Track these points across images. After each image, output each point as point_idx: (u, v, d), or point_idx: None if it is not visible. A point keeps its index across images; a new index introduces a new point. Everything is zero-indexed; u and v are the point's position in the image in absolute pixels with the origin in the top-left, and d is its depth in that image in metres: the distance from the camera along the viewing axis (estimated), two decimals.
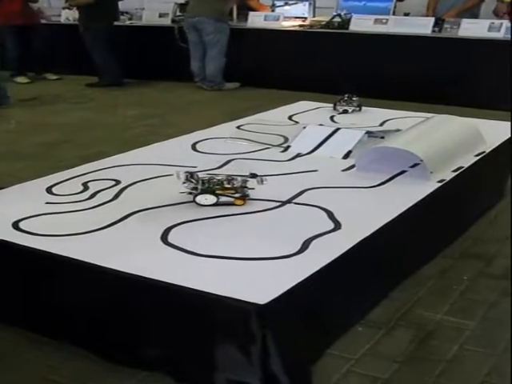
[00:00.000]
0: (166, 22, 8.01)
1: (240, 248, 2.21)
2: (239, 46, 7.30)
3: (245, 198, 2.59)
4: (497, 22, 6.46)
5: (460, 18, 6.64)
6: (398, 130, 3.43)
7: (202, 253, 2.17)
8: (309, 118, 4.05)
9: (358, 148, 3.25)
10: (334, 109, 4.22)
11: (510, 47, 5.91)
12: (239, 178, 2.61)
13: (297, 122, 3.92)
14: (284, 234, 2.36)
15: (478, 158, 3.20)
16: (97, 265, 2.11)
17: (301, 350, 2.04)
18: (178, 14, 8.05)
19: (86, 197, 2.74)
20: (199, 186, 2.56)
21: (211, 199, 2.56)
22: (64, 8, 8.52)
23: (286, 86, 6.87)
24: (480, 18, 6.83)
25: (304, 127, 3.58)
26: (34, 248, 2.24)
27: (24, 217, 2.49)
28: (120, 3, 8.03)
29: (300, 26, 7.54)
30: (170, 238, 2.29)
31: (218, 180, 2.59)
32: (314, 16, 7.82)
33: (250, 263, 2.12)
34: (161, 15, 8.10)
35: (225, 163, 3.14)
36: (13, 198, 2.78)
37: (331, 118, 4.07)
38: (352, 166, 3.07)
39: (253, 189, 2.62)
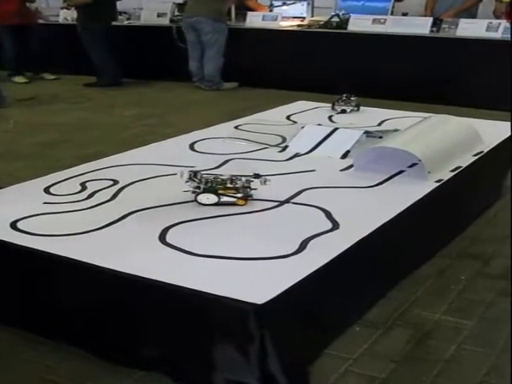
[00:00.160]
0: (165, 21, 8.01)
1: (238, 248, 2.21)
2: (237, 45, 7.30)
3: (247, 198, 2.59)
4: (495, 21, 6.47)
5: (458, 18, 6.64)
6: (396, 130, 3.43)
7: (200, 253, 2.17)
8: (307, 117, 4.05)
9: (356, 148, 3.25)
10: (332, 109, 4.22)
11: (510, 47, 5.91)
12: (243, 179, 2.61)
13: (295, 122, 3.92)
14: (282, 233, 2.36)
15: (476, 157, 3.20)
16: (94, 265, 2.10)
17: (299, 350, 2.04)
18: (177, 13, 8.06)
19: (84, 197, 2.74)
20: (202, 186, 2.57)
21: (213, 199, 2.56)
22: (62, 8, 8.51)
23: (284, 85, 6.87)
24: (478, 18, 6.84)
25: (302, 127, 3.58)
26: (32, 248, 2.24)
27: (22, 217, 2.49)
28: (118, 3, 8.02)
29: (298, 25, 7.54)
30: (168, 238, 2.29)
31: (222, 180, 2.59)
32: (312, 16, 7.82)
33: (247, 263, 2.12)
34: (159, 15, 8.10)
35: (223, 163, 3.14)
36: (11, 198, 2.77)
37: (329, 117, 4.07)
38: (350, 166, 3.08)
39: (255, 189, 2.62)
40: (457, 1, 7.05)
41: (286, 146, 3.41)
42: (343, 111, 4.18)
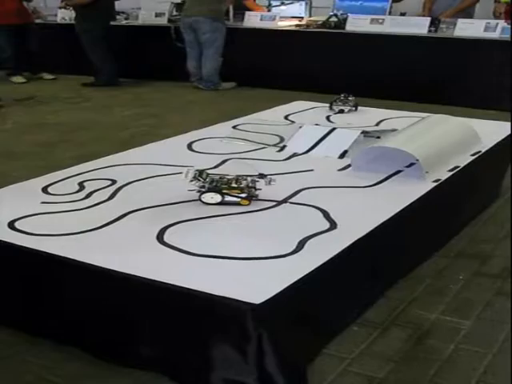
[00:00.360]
0: (163, 21, 8.01)
1: (235, 247, 2.21)
2: (236, 45, 7.30)
3: (251, 198, 2.59)
4: (493, 22, 6.48)
5: (456, 18, 6.65)
6: (393, 130, 3.43)
7: (197, 252, 2.17)
8: (305, 117, 4.05)
9: (353, 148, 3.25)
10: (330, 108, 4.21)
11: (510, 47, 5.92)
12: (249, 179, 2.61)
13: (293, 122, 3.92)
14: (279, 233, 2.36)
15: (474, 157, 3.20)
16: (92, 264, 2.10)
17: (296, 350, 2.04)
18: (175, 13, 8.06)
19: (82, 196, 2.74)
20: (206, 185, 2.57)
21: (217, 198, 2.56)
22: (60, 8, 8.51)
23: (283, 85, 6.88)
24: (475, 18, 6.84)
25: (300, 127, 3.58)
26: (30, 248, 2.24)
27: (20, 216, 2.48)
28: (116, 3, 8.03)
29: (296, 25, 7.55)
30: (166, 238, 2.29)
31: (228, 179, 2.59)
32: (310, 16, 7.83)
33: (245, 263, 2.11)
34: (157, 15, 8.10)
35: (221, 163, 3.13)
36: (8, 198, 2.77)
37: (327, 117, 4.07)
38: (348, 166, 3.07)
39: (260, 189, 2.62)
40: (455, 1, 7.06)
41: (284, 146, 3.41)
42: (341, 111, 4.18)
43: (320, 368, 2.17)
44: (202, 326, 1.97)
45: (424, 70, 6.49)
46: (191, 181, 2.58)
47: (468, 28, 6.49)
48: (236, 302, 1.87)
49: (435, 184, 2.83)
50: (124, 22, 8.26)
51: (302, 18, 7.78)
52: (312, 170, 3.06)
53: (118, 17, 8.22)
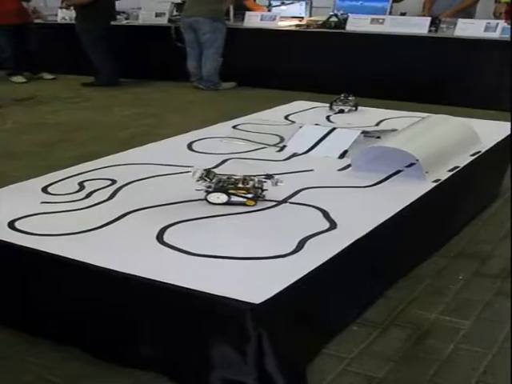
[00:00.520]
0: (163, 21, 8.01)
1: (235, 247, 2.21)
2: (236, 45, 7.30)
3: (257, 198, 2.59)
4: (493, 22, 6.48)
5: (456, 18, 6.65)
6: (393, 130, 3.43)
7: (197, 252, 2.17)
8: (305, 117, 4.05)
9: (353, 148, 3.25)
10: (330, 108, 4.22)
11: (510, 47, 5.92)
12: (256, 179, 2.62)
13: (293, 122, 3.92)
14: (279, 233, 2.36)
15: (474, 157, 3.20)
16: (92, 264, 2.10)
17: (296, 350, 2.04)
18: (175, 13, 8.06)
19: (82, 196, 2.74)
20: (213, 185, 2.57)
21: (223, 198, 2.57)
22: (61, 7, 8.51)
23: (283, 85, 6.88)
24: (476, 18, 6.84)
25: (300, 127, 3.58)
26: (30, 247, 2.24)
27: (19, 216, 2.48)
28: (117, 3, 8.03)
29: (297, 25, 7.55)
30: (166, 238, 2.29)
31: (235, 180, 2.60)
32: (310, 16, 7.83)
33: (245, 262, 2.11)
34: (157, 15, 8.10)
35: (221, 163, 3.13)
36: (8, 198, 2.77)
37: (327, 117, 4.07)
38: (348, 166, 3.08)
39: (266, 190, 2.62)
40: (455, 1, 7.06)
41: (284, 146, 3.41)
42: (341, 111, 4.18)
43: (319, 368, 2.17)
44: (202, 326, 1.97)
45: (424, 70, 6.49)
46: (198, 180, 2.59)
47: (468, 28, 6.49)
48: (236, 301, 1.87)
49: (435, 184, 2.83)
50: (124, 22, 8.26)
51: (303, 17, 7.78)
52: (312, 170, 3.06)
53: (118, 17, 8.23)
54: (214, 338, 1.96)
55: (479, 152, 3.27)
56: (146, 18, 8.19)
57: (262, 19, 7.59)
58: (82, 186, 2.86)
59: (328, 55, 6.98)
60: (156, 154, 3.33)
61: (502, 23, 6.36)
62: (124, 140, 5.07)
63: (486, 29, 6.39)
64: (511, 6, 6.78)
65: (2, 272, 2.37)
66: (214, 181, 2.58)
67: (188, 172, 2.65)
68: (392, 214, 2.51)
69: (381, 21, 6.93)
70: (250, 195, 2.58)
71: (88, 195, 2.75)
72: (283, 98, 5.11)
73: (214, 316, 1.94)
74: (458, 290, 2.72)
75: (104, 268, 2.08)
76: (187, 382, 2.07)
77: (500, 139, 3.52)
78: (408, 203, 2.63)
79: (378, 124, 3.86)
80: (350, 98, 4.24)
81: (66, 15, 8.50)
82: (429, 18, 6.79)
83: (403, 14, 7.32)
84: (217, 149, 3.38)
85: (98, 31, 7.52)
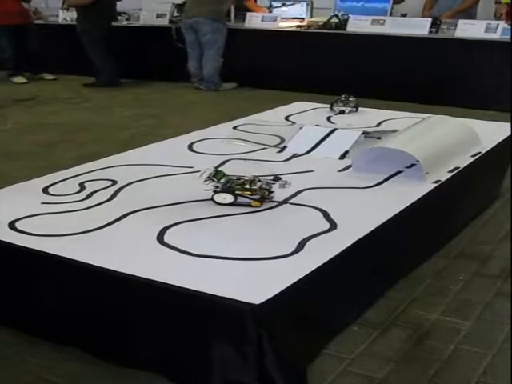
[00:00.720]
0: (164, 22, 8.02)
1: (235, 248, 2.21)
2: (236, 46, 7.30)
3: (263, 200, 2.59)
4: (493, 22, 6.48)
5: (457, 19, 6.65)
6: (394, 131, 3.43)
7: (197, 253, 2.17)
8: (305, 118, 4.05)
9: (354, 148, 3.25)
10: (331, 109, 4.22)
11: (510, 48, 5.92)
12: (264, 180, 2.62)
13: (293, 123, 3.92)
14: (280, 234, 2.36)
15: (474, 158, 3.20)
16: (92, 264, 2.10)
17: (296, 350, 2.04)
18: (176, 14, 8.07)
19: (83, 197, 2.74)
20: (221, 185, 2.58)
21: (229, 198, 2.57)
22: (62, 8, 8.52)
23: (283, 86, 6.89)
24: (477, 19, 6.84)
25: (300, 128, 3.58)
26: (30, 248, 2.24)
27: (20, 217, 2.48)
28: (118, 4, 8.04)
29: (297, 26, 7.55)
30: (166, 238, 2.29)
31: (243, 181, 2.60)
32: (311, 17, 7.84)
33: (245, 263, 2.12)
34: (158, 16, 8.11)
35: (221, 164, 3.13)
36: (9, 198, 2.77)
37: (328, 118, 4.07)
38: (348, 167, 3.08)
39: (273, 192, 2.63)
40: (455, 2, 7.06)
41: (285, 147, 3.41)
42: (342, 112, 4.18)
43: (320, 368, 2.18)
44: (202, 327, 1.97)
45: (425, 71, 6.49)
46: (205, 181, 2.59)
47: (469, 29, 6.49)
48: (236, 302, 1.87)
49: (435, 185, 2.84)
50: (125, 23, 8.27)
51: (303, 18, 7.79)
52: (312, 171, 3.06)
53: (119, 17, 8.23)
54: (214, 339, 1.96)
55: (479, 153, 3.27)
56: (146, 18, 8.19)
57: (262, 20, 7.59)
58: (82, 186, 2.86)
59: (329, 56, 6.99)
60: (156, 154, 3.33)
61: (503, 24, 6.36)
62: (124, 140, 5.07)
63: (487, 30, 6.39)
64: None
65: (2, 272, 2.37)
66: (222, 181, 2.59)
67: (197, 172, 2.65)
68: (392, 214, 2.51)
69: (381, 22, 6.93)
70: (256, 196, 2.58)
71: (89, 196, 2.75)
72: (284, 98, 5.11)
73: (214, 316, 1.94)
74: (459, 290, 2.73)
75: (104, 268, 2.08)
76: (187, 382, 2.07)
77: (500, 140, 3.52)
78: (408, 204, 2.63)
79: (378, 125, 3.86)
80: (350, 99, 4.24)
81: (67, 16, 8.51)
82: (429, 19, 6.78)
83: (404, 15, 7.32)
84: (217, 149, 3.38)
85: (98, 32, 7.52)
